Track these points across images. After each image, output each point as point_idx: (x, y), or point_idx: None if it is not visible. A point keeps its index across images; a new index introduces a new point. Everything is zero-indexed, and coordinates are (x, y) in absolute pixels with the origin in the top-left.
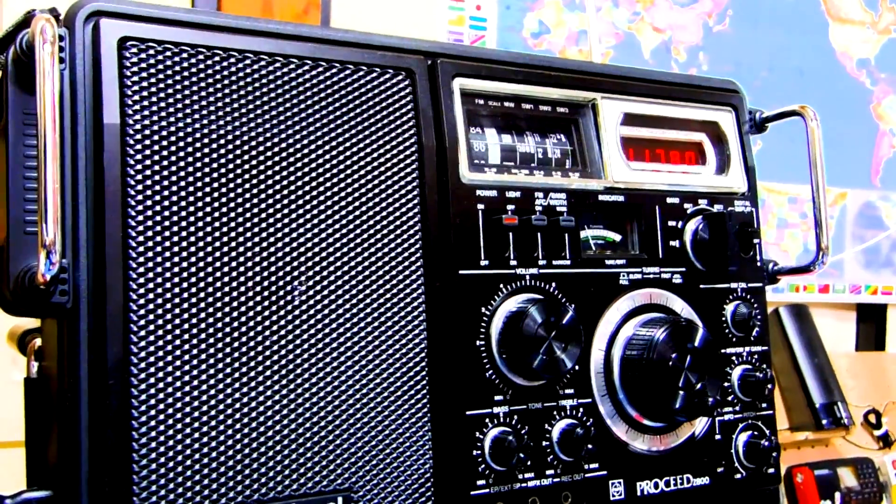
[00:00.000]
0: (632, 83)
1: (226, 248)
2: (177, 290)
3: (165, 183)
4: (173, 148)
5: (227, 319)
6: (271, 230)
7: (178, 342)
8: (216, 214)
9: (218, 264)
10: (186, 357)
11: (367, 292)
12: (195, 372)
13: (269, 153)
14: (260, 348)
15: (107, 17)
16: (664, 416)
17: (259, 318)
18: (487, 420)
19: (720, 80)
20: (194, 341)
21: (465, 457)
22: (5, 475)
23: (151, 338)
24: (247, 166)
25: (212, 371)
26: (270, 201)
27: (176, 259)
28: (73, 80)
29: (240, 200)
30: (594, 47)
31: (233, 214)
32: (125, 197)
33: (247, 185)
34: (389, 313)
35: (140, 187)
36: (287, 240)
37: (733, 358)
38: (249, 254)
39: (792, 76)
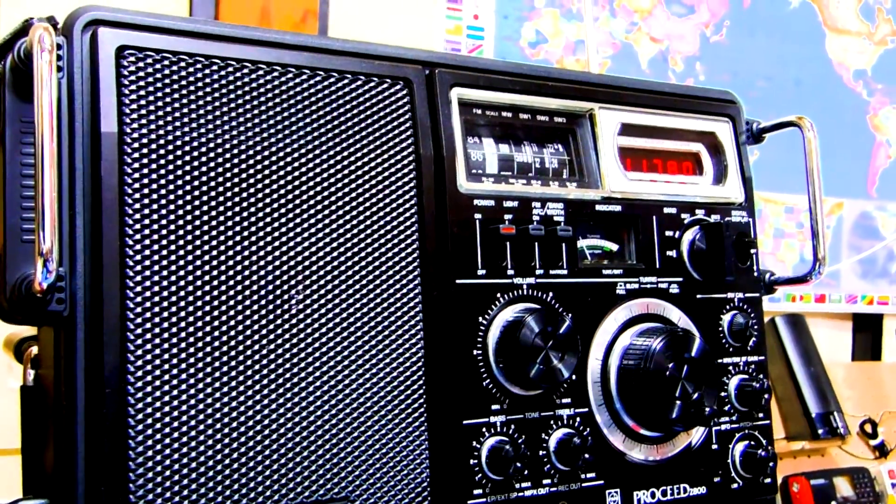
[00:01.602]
0: (629, 93)
1: (223, 257)
2: (174, 298)
3: (163, 192)
4: (171, 157)
5: (224, 328)
6: (269, 239)
7: (174, 350)
8: (213, 223)
9: (215, 272)
10: (183, 365)
11: (364, 301)
12: (192, 381)
13: (266, 162)
14: (257, 357)
15: (105, 25)
16: (661, 425)
17: (256, 327)
18: (484, 429)
19: (717, 90)
20: (191, 350)
21: (462, 466)
22: (1, 483)
23: (148, 346)
24: (244, 175)
25: (209, 379)
26: (268, 210)
27: (173, 268)
28: (71, 88)
29: (237, 209)
30: (591, 57)
31: (230, 223)
32: (122, 205)
33: (244, 194)
34: (387, 322)
35: (137, 196)
36: (284, 248)
37: (730, 368)
38: (247, 262)
39: (789, 87)
